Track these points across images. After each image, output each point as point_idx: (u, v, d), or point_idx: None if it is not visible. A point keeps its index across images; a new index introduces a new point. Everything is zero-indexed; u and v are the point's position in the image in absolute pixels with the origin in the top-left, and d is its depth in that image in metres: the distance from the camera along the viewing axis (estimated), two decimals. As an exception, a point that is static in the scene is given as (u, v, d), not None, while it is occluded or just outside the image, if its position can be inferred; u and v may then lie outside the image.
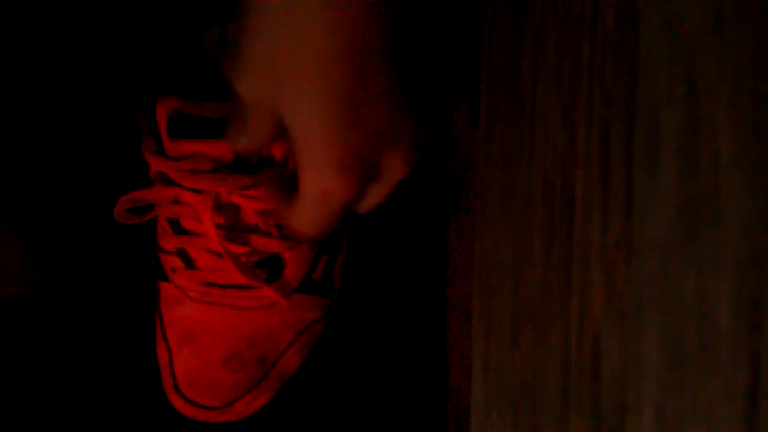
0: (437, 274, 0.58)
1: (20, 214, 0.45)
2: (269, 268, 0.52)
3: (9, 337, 0.55)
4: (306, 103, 0.34)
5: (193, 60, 0.50)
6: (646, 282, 0.21)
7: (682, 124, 0.20)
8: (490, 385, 0.34)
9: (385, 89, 0.34)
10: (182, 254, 0.52)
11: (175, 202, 0.51)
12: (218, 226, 0.50)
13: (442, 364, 0.56)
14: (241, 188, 0.49)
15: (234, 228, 0.50)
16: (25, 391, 0.55)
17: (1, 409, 0.55)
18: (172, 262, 0.52)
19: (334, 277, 0.54)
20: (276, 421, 0.53)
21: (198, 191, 0.50)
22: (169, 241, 0.52)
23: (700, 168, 0.19)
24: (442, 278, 0.57)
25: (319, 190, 0.36)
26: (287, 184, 0.39)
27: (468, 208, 0.53)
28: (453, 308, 0.55)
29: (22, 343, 0.55)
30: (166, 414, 0.52)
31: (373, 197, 0.38)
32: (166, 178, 0.50)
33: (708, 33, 0.19)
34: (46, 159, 0.50)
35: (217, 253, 0.51)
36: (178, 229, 0.52)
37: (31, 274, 0.51)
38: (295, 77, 0.34)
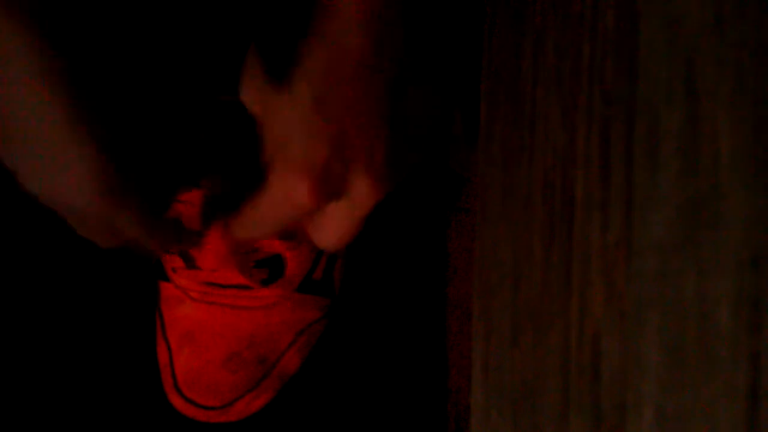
0: (437, 274, 0.58)
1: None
2: (270, 268, 0.52)
3: (9, 336, 0.55)
4: (285, 104, 0.35)
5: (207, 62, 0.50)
6: (646, 282, 0.21)
7: (682, 124, 0.20)
8: (490, 385, 0.34)
9: (368, 105, 0.35)
10: (183, 254, 0.52)
11: (176, 201, 0.51)
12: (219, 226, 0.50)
13: (442, 364, 0.56)
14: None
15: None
16: (26, 390, 0.55)
17: (1, 409, 0.54)
18: (173, 261, 0.52)
19: (335, 277, 0.54)
20: (276, 421, 0.53)
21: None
22: (169, 241, 0.52)
23: (700, 168, 0.19)
24: (442, 278, 0.57)
25: (283, 193, 0.36)
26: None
27: (468, 208, 0.53)
28: (453, 308, 0.55)
29: (22, 342, 0.55)
30: (166, 414, 0.52)
31: (339, 227, 0.37)
32: None
33: (708, 33, 0.19)
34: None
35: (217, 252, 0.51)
36: (179, 228, 0.52)
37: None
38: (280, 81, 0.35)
